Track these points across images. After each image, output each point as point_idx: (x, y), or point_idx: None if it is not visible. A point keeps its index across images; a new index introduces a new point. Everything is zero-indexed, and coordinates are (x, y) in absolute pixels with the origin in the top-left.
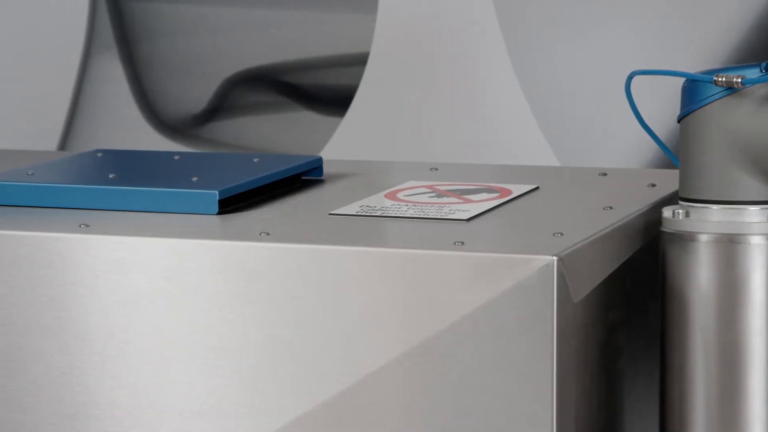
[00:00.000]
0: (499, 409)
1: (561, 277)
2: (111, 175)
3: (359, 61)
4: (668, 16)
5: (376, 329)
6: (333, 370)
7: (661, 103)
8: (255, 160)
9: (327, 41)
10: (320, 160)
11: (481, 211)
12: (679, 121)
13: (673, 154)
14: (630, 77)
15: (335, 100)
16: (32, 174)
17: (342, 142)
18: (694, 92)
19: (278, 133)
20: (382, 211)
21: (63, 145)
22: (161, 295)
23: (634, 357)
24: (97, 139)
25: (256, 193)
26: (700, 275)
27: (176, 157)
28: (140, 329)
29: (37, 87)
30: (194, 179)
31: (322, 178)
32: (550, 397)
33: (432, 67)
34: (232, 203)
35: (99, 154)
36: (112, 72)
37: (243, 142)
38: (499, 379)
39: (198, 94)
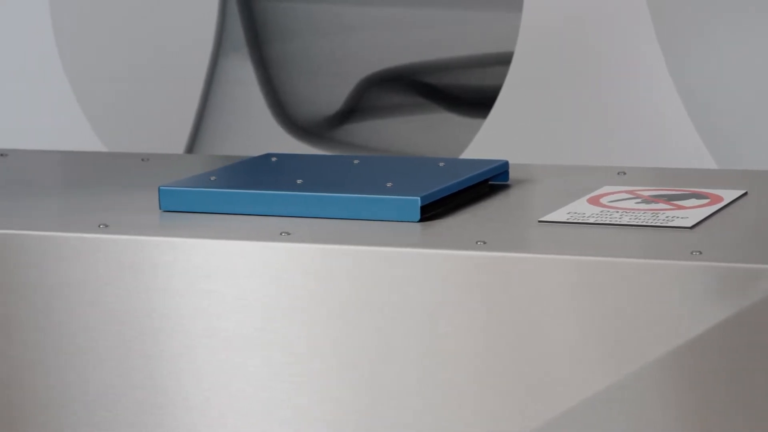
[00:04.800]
0: (750, 426)
1: None
2: (298, 181)
3: (503, 60)
4: None
5: (608, 342)
6: (557, 385)
7: None
8: (440, 164)
9: (468, 40)
10: (507, 164)
11: (701, 218)
12: None
13: None
14: None
15: (477, 102)
16: (215, 180)
17: (484, 144)
18: None
19: (416, 135)
20: (595, 218)
21: (191, 147)
22: (373, 306)
23: None
24: (227, 141)
25: (448, 198)
26: None
27: (355, 162)
28: (349, 340)
29: (166, 89)
30: (389, 185)
31: (508, 182)
32: None
33: (579, 67)
34: (428, 209)
35: (273, 159)
36: (243, 73)
37: (379, 144)
38: (748, 395)
39: (332, 96)
